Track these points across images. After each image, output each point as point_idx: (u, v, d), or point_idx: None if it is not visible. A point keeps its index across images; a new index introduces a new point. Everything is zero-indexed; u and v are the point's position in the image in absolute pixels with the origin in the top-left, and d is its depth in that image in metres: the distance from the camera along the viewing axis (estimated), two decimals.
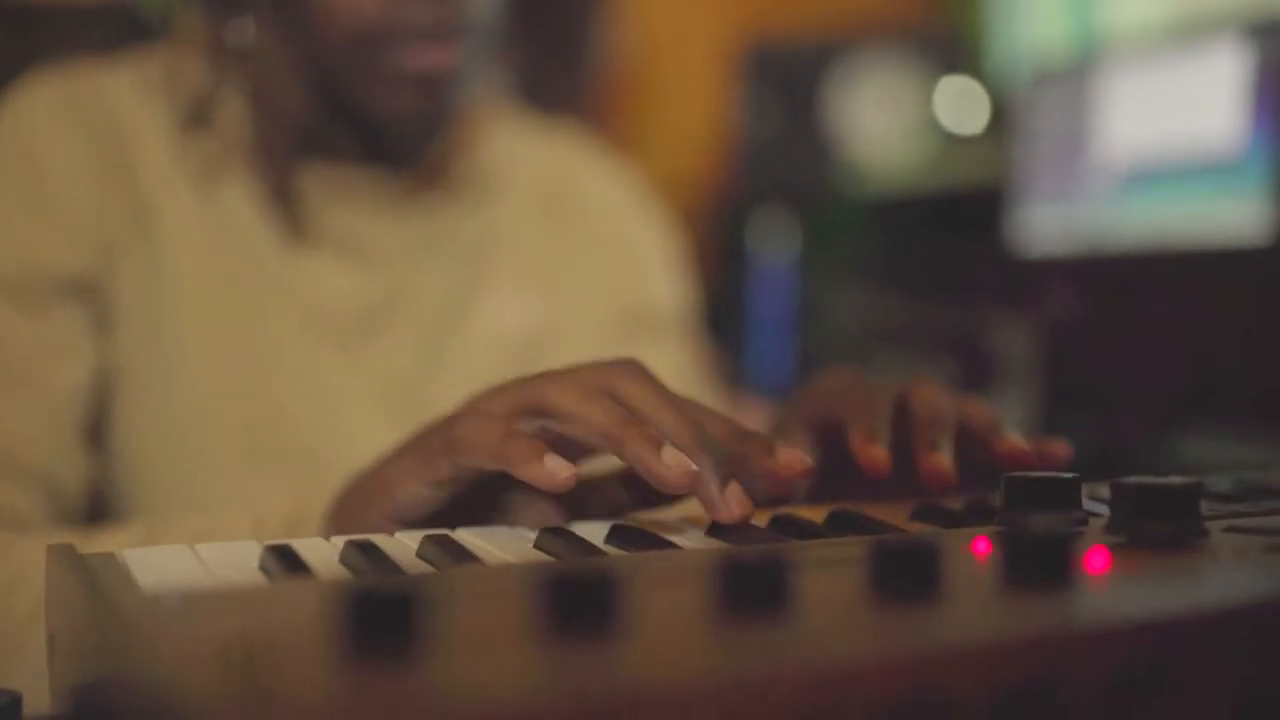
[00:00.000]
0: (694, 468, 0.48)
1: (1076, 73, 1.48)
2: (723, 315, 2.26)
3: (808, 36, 2.28)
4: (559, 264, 0.96)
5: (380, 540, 0.48)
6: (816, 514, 0.52)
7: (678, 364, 0.98)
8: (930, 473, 0.53)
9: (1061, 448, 0.56)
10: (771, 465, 0.50)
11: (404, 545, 0.48)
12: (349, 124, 0.86)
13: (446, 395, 0.87)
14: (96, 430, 0.81)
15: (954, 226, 1.81)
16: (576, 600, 0.30)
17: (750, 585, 0.31)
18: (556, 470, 0.48)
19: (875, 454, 0.53)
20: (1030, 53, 1.86)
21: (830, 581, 0.36)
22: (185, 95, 0.83)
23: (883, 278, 1.83)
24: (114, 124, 0.83)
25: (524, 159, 0.98)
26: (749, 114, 2.21)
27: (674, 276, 1.02)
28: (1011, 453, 0.55)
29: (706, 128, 2.60)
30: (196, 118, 0.82)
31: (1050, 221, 1.49)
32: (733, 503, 0.48)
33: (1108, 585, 0.35)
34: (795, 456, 0.50)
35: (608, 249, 0.99)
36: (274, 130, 0.83)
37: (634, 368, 0.53)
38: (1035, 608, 0.32)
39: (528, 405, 0.52)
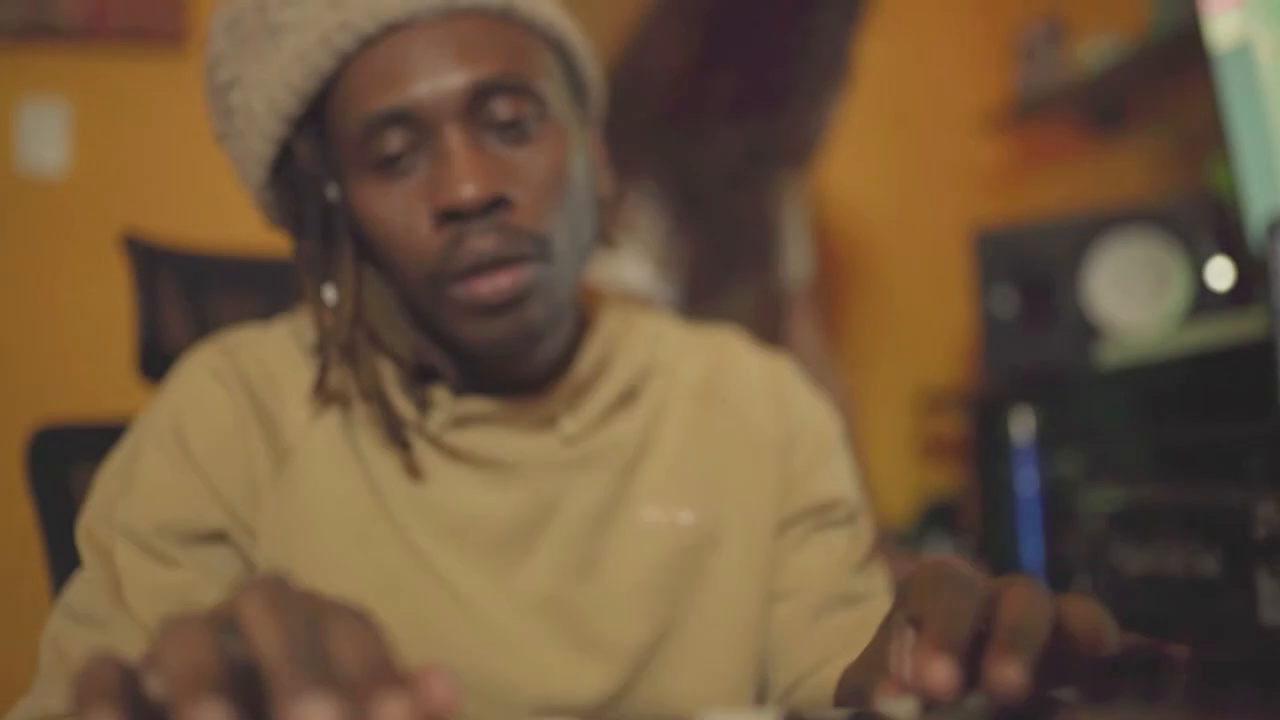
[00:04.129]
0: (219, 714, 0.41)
1: None
2: (981, 506, 2.18)
3: (1042, 219, 2.23)
4: (715, 464, 0.95)
5: None
6: None
7: (844, 553, 0.95)
8: (995, 682, 0.48)
9: (1177, 650, 0.51)
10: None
11: None
12: (455, 354, 0.89)
13: (601, 604, 0.89)
14: None
15: (1217, 403, 1.69)
16: None
17: None
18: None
19: (936, 666, 0.49)
20: None
21: None
22: (317, 357, 0.89)
23: (1143, 462, 1.72)
24: (262, 379, 0.89)
25: (675, 359, 0.99)
26: (989, 301, 2.17)
27: (837, 463, 1.00)
28: (1102, 655, 0.50)
29: (954, 320, 2.57)
30: (323, 377, 0.87)
31: None
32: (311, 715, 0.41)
33: None
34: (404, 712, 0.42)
35: (765, 443, 0.97)
36: (375, 380, 0.87)
37: (264, 586, 0.46)
38: None
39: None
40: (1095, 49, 2.33)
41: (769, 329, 2.08)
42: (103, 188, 2.46)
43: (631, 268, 1.79)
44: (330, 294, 0.87)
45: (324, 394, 0.89)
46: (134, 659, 0.45)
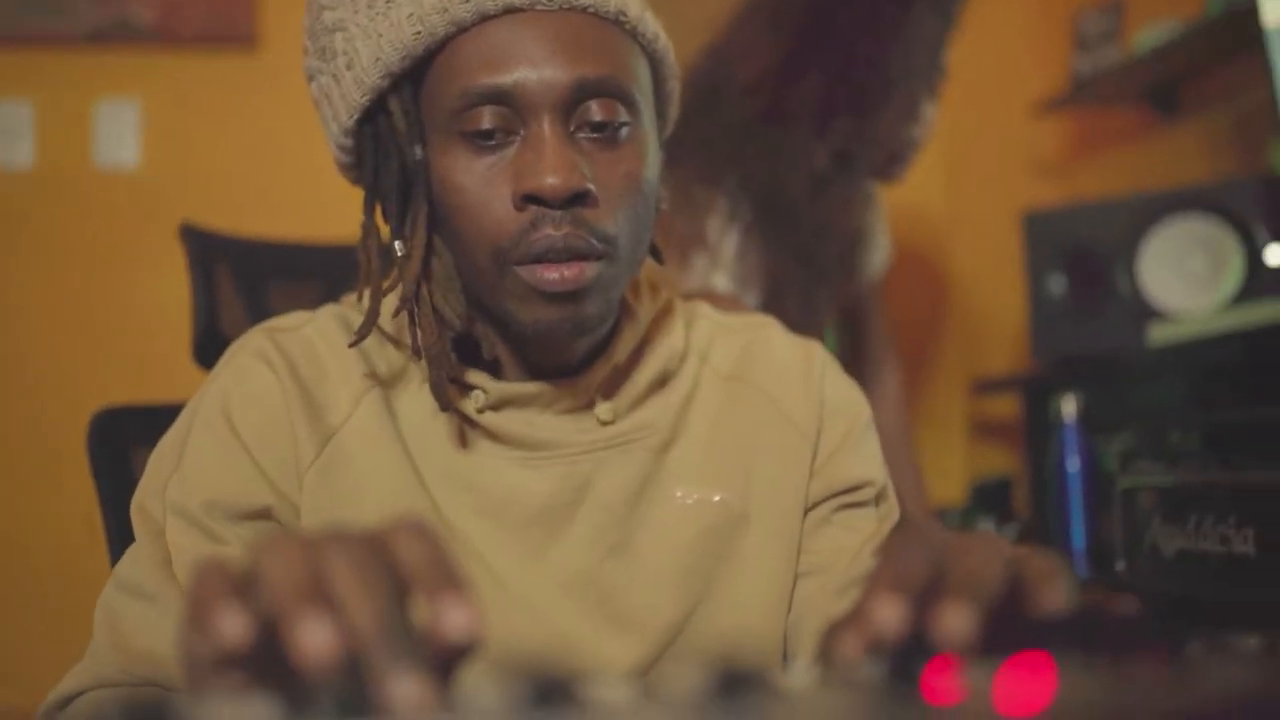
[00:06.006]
0: (332, 654, 0.42)
1: None
2: (1034, 484, 2.18)
3: (1096, 203, 2.22)
4: (746, 447, 0.97)
5: None
6: None
7: (870, 534, 0.97)
8: (940, 629, 0.48)
9: (1126, 602, 0.51)
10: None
11: None
12: (500, 333, 0.92)
13: (633, 581, 0.91)
14: None
15: (1266, 385, 1.69)
16: None
17: None
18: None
19: (880, 610, 0.49)
20: None
21: None
22: (365, 323, 0.91)
23: (1190, 444, 1.72)
24: (308, 363, 0.92)
25: (709, 345, 1.01)
26: (1041, 285, 2.17)
27: (866, 447, 1.01)
28: (1052, 607, 0.50)
29: (1009, 304, 2.56)
30: (367, 326, 0.90)
31: None
32: (401, 688, 0.42)
33: None
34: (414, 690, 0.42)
35: (796, 427, 0.99)
36: (436, 335, 0.89)
37: (348, 541, 0.47)
38: None
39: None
40: (1152, 32, 2.31)
41: (850, 321, 2.09)
42: (174, 183, 2.54)
43: (710, 273, 1.78)
44: (399, 248, 0.89)
45: (369, 362, 0.92)
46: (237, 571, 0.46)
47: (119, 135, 2.53)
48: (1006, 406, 2.63)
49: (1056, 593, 0.51)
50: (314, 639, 0.42)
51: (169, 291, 2.34)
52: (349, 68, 0.88)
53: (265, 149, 2.51)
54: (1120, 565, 1.59)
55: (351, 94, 0.89)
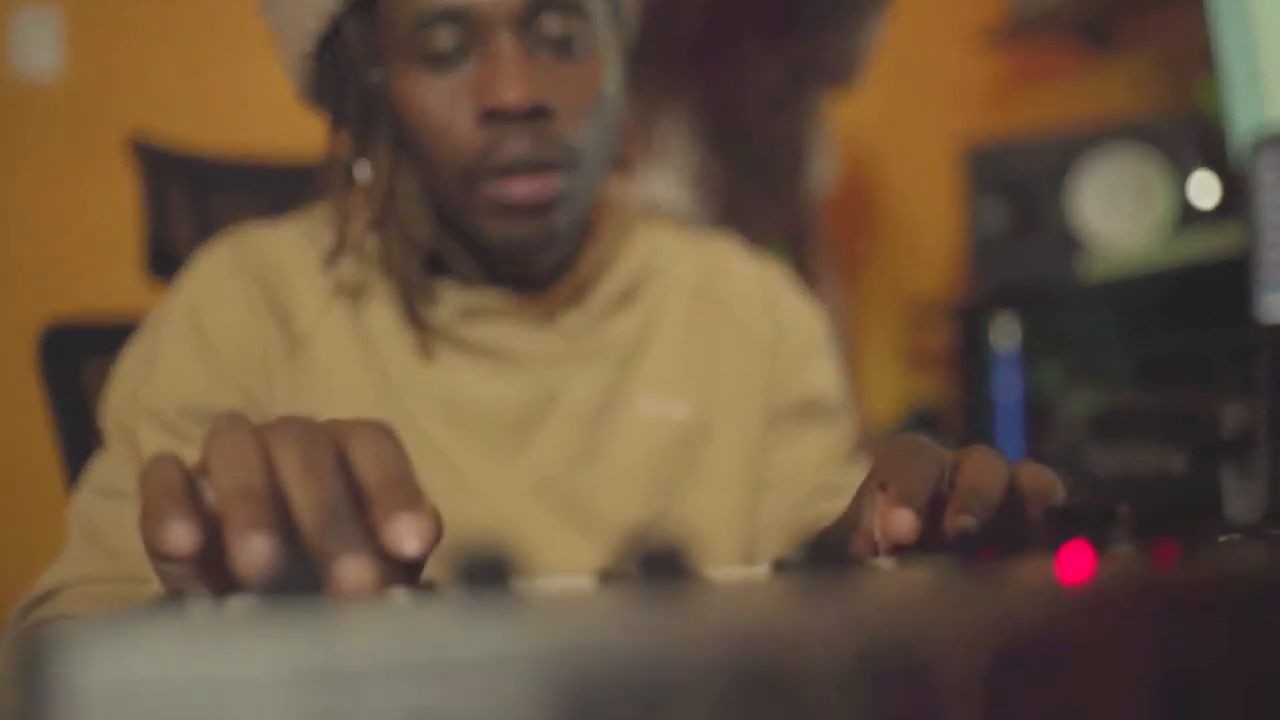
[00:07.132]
0: (264, 564, 0.43)
1: None
2: (968, 410, 2.23)
3: (1031, 134, 2.26)
4: (709, 360, 0.99)
5: None
6: None
7: (829, 447, 1.00)
8: (951, 530, 0.52)
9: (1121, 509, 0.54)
10: (388, 541, 0.46)
11: None
12: (470, 248, 0.93)
13: (599, 489, 0.93)
14: None
15: (1195, 314, 1.73)
16: None
17: None
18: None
19: (899, 516, 0.52)
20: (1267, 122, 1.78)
21: None
22: (332, 234, 0.92)
23: (1121, 370, 1.77)
24: (274, 272, 0.93)
25: (671, 262, 1.03)
26: (978, 214, 2.20)
27: (824, 363, 1.04)
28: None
29: (943, 233, 2.60)
30: (336, 251, 0.91)
31: None
32: (350, 576, 0.42)
33: None
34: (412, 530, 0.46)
35: (756, 342, 1.01)
36: (405, 256, 0.90)
37: (298, 428, 0.50)
38: None
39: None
40: None
41: (795, 239, 2.11)
42: (97, 91, 2.47)
43: (665, 189, 1.79)
44: (364, 171, 0.90)
45: (343, 280, 0.93)
46: (190, 463, 0.48)
47: (38, 41, 2.46)
48: (941, 334, 2.68)
49: (1054, 498, 0.55)
50: (250, 554, 0.43)
51: (97, 203, 2.30)
52: None
53: (192, 53, 2.45)
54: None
55: (307, 22, 0.88)
